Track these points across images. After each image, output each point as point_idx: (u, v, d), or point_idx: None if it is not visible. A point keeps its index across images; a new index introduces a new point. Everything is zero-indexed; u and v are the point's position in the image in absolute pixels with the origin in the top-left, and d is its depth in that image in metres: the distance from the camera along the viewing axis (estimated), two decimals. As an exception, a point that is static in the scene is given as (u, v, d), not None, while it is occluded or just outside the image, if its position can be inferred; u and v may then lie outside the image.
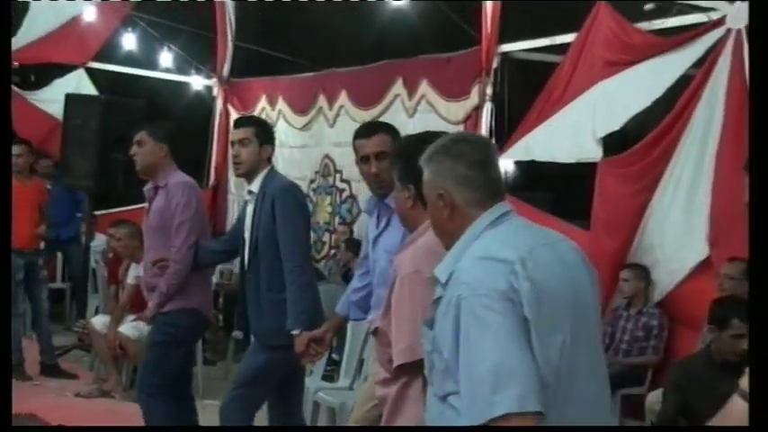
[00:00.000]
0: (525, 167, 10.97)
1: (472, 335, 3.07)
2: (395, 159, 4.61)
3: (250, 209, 6.46)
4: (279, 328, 6.15)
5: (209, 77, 13.60)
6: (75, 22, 12.83)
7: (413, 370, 3.93)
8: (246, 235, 6.47)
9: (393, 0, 10.21)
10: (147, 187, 7.08)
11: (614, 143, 8.33)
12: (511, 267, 3.09)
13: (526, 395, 2.99)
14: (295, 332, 5.99)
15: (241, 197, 5.85)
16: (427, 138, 4.22)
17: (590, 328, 3.09)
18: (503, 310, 3.04)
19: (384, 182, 5.03)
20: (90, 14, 12.70)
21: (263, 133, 6.47)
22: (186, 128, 12.31)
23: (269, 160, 6.48)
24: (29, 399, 8.86)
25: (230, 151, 6.48)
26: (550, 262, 3.21)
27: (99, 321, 9.68)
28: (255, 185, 6.39)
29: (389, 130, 5.42)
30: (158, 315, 6.84)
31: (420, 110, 10.16)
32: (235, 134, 6.56)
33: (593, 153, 8.35)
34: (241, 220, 6.71)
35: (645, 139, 8.06)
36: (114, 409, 7.39)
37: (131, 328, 9.22)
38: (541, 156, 8.99)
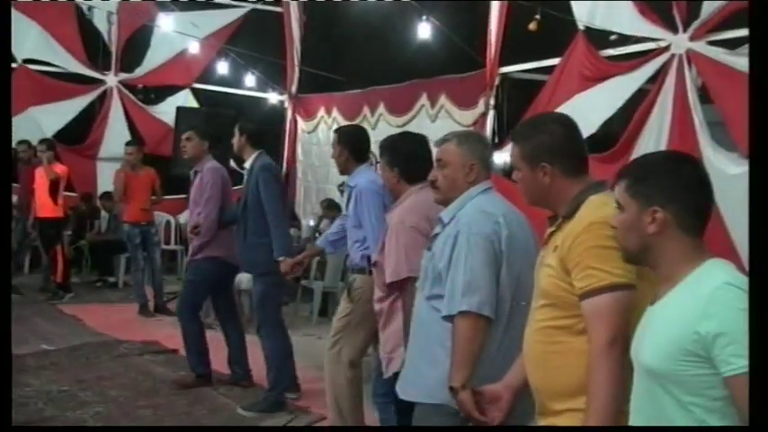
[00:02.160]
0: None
1: (461, 257, 3.43)
2: (382, 151, 4.94)
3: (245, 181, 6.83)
4: (261, 261, 6.57)
5: (281, 94, 13.54)
6: (182, 53, 12.99)
7: (399, 287, 4.34)
8: (242, 199, 6.78)
9: (420, 35, 10.21)
10: (191, 171, 7.44)
11: (588, 142, 8.27)
12: (495, 219, 3.50)
13: (484, 303, 3.38)
14: (281, 259, 6.39)
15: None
16: (407, 135, 5.30)
17: (532, 268, 3.07)
18: (484, 246, 3.43)
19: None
20: (194, 48, 12.83)
21: (254, 135, 6.78)
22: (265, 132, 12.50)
23: (255, 147, 6.72)
24: (152, 330, 9.26)
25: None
26: (517, 221, 3.60)
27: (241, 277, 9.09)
28: (247, 164, 6.78)
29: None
30: (192, 261, 7.22)
31: (440, 117, 10.13)
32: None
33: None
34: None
35: (620, 142, 7.90)
36: (214, 337, 7.69)
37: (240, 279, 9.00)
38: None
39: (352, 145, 5.87)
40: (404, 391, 3.82)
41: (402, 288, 4.35)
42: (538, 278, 2.95)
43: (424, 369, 3.63)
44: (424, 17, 10.11)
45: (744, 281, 2.23)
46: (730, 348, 2.14)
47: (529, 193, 3.05)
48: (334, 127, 11.31)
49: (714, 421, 2.24)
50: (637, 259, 2.52)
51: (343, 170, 5.92)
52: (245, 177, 6.83)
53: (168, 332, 8.88)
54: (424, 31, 10.21)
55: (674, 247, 2.40)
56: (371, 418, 5.53)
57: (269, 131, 12.43)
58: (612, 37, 8.44)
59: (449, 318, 3.43)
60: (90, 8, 12.61)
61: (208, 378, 7.15)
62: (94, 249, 12.20)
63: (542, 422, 2.92)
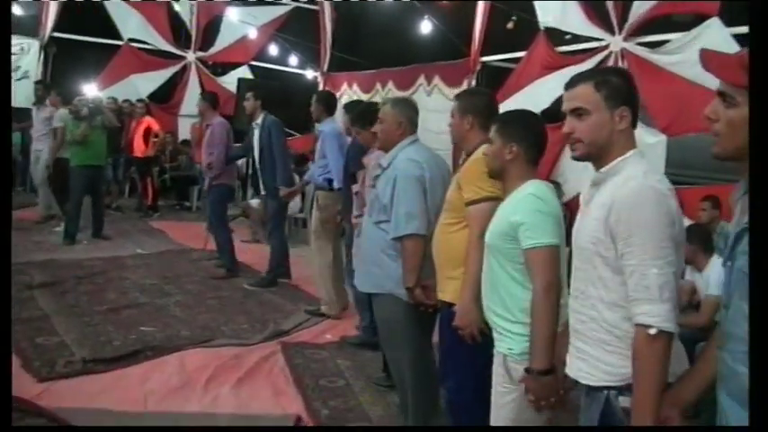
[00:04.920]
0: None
1: (401, 194, 3.54)
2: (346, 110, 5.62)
3: (257, 133, 6.92)
4: (273, 186, 6.77)
5: (315, 71, 13.22)
6: (243, 38, 12.80)
7: None
8: (256, 146, 6.94)
9: (422, 30, 10.20)
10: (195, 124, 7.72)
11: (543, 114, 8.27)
12: (421, 165, 3.59)
13: (420, 226, 3.48)
14: (282, 187, 6.71)
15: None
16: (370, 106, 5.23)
17: (445, 194, 3.32)
18: (415, 184, 3.53)
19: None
20: (252, 34, 12.69)
21: (261, 97, 7.00)
22: (303, 99, 12.45)
23: (263, 108, 6.93)
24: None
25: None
26: (436, 164, 3.70)
27: (252, 202, 9.83)
28: (258, 121, 6.92)
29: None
30: (210, 188, 7.39)
31: (434, 92, 9.99)
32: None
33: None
34: (250, 138, 7.12)
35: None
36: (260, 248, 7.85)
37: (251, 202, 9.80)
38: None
39: (325, 104, 6.37)
40: (361, 285, 3.91)
41: None
42: (447, 194, 3.26)
43: (375, 270, 3.72)
44: (426, 16, 9.98)
45: (543, 189, 2.67)
46: (527, 232, 2.54)
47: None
48: (354, 97, 11.30)
49: (518, 275, 2.63)
50: (497, 175, 2.83)
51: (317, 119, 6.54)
52: (258, 130, 6.96)
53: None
54: (426, 27, 10.07)
55: (517, 170, 2.74)
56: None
57: (306, 100, 12.52)
58: (567, 36, 8.28)
59: (397, 238, 3.55)
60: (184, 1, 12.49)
61: (236, 272, 7.36)
62: (175, 181, 12.15)
63: (440, 287, 3.25)
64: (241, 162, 10.33)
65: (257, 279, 7.08)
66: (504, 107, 3.46)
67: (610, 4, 7.60)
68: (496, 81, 9.23)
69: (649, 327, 1.91)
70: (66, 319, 5.42)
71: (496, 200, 2.87)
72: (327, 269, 6.07)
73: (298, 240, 8.85)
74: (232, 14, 12.56)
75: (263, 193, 7.15)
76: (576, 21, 8.05)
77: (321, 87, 12.88)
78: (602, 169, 2.12)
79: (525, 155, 2.74)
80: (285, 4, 13.06)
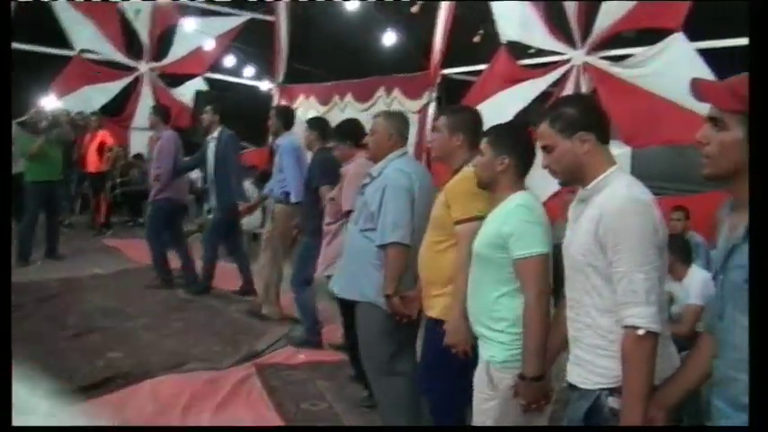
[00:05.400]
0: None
1: (388, 203, 3.60)
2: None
3: (213, 147, 6.93)
4: (225, 200, 6.87)
5: (271, 83, 13.10)
6: (197, 49, 12.56)
7: (348, 216, 4.36)
8: (211, 160, 6.94)
9: (383, 43, 10.17)
10: (152, 136, 7.75)
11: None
12: (410, 176, 3.65)
13: (404, 236, 3.54)
14: (240, 202, 6.86)
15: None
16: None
17: (431, 206, 3.36)
18: (404, 195, 3.60)
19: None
20: (206, 45, 12.46)
21: (219, 111, 7.02)
22: (258, 111, 12.33)
23: (220, 123, 6.97)
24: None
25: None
26: (423, 176, 3.76)
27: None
28: (215, 134, 6.93)
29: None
30: (153, 201, 7.35)
31: (394, 105, 9.87)
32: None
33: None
34: (204, 151, 7.08)
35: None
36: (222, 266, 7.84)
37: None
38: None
39: (283, 118, 6.54)
40: (343, 292, 3.91)
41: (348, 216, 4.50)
42: (433, 211, 3.28)
43: (360, 279, 3.73)
44: (387, 29, 9.96)
45: (531, 200, 2.74)
46: (518, 243, 2.62)
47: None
48: (311, 111, 11.20)
49: (505, 284, 2.70)
50: (486, 186, 2.86)
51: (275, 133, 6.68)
52: (214, 144, 6.96)
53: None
54: (387, 39, 10.05)
55: (507, 181, 2.80)
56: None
57: (261, 111, 12.33)
58: (531, 50, 8.34)
59: (382, 246, 3.60)
60: (138, 11, 12.21)
61: (171, 282, 7.35)
62: (127, 196, 11.84)
63: (428, 305, 3.24)
64: (196, 176, 10.12)
65: (193, 288, 7.15)
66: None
67: (572, 19, 7.69)
68: (457, 94, 9.30)
69: (637, 328, 2.04)
70: (29, 346, 5.17)
71: (485, 219, 2.89)
72: (275, 279, 6.35)
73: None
74: (187, 25, 12.35)
75: (214, 206, 7.15)
76: (537, 35, 8.15)
77: (276, 99, 12.83)
78: (588, 187, 2.26)
79: (515, 167, 2.81)
80: (240, 15, 12.90)
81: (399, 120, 3.97)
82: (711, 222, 5.51)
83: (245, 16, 12.88)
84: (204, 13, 12.73)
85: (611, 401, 2.13)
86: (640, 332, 2.03)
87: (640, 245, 2.06)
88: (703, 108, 1.86)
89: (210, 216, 8.97)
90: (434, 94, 9.48)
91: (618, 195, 2.14)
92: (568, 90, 7.62)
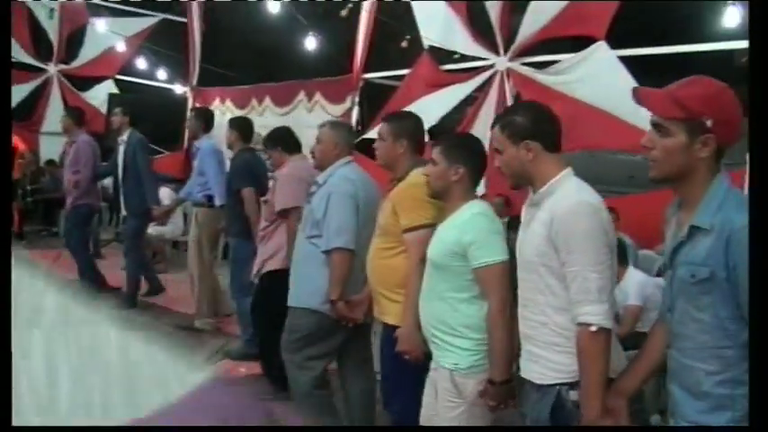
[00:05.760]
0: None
1: (333, 209, 3.62)
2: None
3: (122, 149, 6.81)
4: (136, 206, 6.73)
5: (184, 86, 12.83)
6: (108, 51, 12.23)
7: (281, 216, 4.46)
8: (120, 163, 6.81)
9: (306, 47, 10.07)
10: (68, 141, 7.44)
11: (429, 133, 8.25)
12: (354, 183, 3.70)
13: (349, 241, 3.57)
14: (154, 206, 6.74)
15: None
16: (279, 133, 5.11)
17: (375, 213, 3.43)
18: (348, 201, 3.62)
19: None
20: (118, 46, 12.14)
21: (129, 112, 6.90)
22: (172, 114, 12.09)
23: (131, 125, 6.83)
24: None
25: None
26: (368, 184, 3.80)
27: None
28: (125, 137, 6.80)
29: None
30: (73, 208, 7.14)
31: (315, 109, 9.91)
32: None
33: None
34: (115, 155, 6.95)
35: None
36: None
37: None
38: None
39: (203, 120, 6.44)
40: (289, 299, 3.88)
41: (282, 216, 4.49)
42: (379, 218, 3.29)
43: (302, 285, 3.76)
44: (310, 33, 9.87)
45: (487, 209, 2.82)
46: (479, 251, 2.64)
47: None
48: (228, 114, 10.99)
49: (464, 292, 2.71)
50: (439, 196, 2.87)
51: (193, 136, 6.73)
52: (123, 147, 6.81)
53: (104, 271, 8.24)
54: (309, 43, 9.96)
55: (460, 191, 2.82)
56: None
57: (174, 114, 12.06)
58: (456, 56, 8.45)
59: (327, 252, 3.62)
60: (52, 11, 11.82)
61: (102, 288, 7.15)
62: (38, 204, 11.35)
63: (382, 311, 3.25)
64: (108, 182, 9.80)
65: (121, 301, 6.85)
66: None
67: (496, 25, 7.82)
68: (380, 99, 9.31)
69: (591, 325, 2.12)
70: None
71: (434, 226, 2.92)
72: (205, 285, 6.17)
73: (183, 265, 8.42)
74: (97, 25, 11.93)
75: (123, 213, 7.02)
76: (460, 40, 8.23)
77: (191, 102, 12.55)
78: (539, 191, 2.34)
79: (469, 177, 2.84)
80: (152, 16, 12.58)
81: (344, 129, 4.05)
82: (635, 224, 5.75)
83: (157, 17, 12.57)
84: (115, 13, 12.33)
85: (573, 395, 2.21)
86: (593, 329, 2.12)
87: (594, 245, 2.15)
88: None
89: (153, 229, 8.71)
90: (357, 99, 9.46)
91: (568, 199, 2.23)
92: (492, 96, 7.75)
